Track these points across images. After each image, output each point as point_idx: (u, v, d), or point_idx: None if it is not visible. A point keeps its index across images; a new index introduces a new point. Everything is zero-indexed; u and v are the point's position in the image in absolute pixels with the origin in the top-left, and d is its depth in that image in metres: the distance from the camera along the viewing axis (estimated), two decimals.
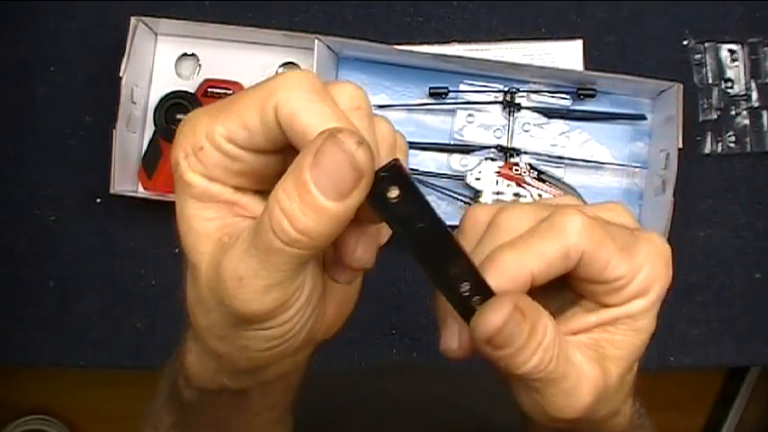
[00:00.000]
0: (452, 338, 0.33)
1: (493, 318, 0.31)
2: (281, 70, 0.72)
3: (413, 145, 0.71)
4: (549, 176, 0.69)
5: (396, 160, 0.29)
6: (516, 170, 0.69)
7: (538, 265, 0.32)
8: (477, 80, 0.71)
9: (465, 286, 0.32)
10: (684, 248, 0.72)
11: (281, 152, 0.30)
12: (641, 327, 0.35)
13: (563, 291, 0.36)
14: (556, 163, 0.70)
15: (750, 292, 0.72)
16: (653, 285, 0.35)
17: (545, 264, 0.32)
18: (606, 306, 0.34)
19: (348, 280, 0.33)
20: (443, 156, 0.71)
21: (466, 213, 0.36)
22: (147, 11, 0.69)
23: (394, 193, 0.29)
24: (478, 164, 0.69)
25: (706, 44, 0.72)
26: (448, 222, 0.30)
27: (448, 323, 0.34)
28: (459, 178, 0.69)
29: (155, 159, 0.69)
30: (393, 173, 0.28)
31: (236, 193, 0.32)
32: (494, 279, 0.32)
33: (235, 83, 0.70)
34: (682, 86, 0.67)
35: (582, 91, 0.70)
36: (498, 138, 0.70)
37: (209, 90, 0.69)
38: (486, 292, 0.32)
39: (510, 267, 0.32)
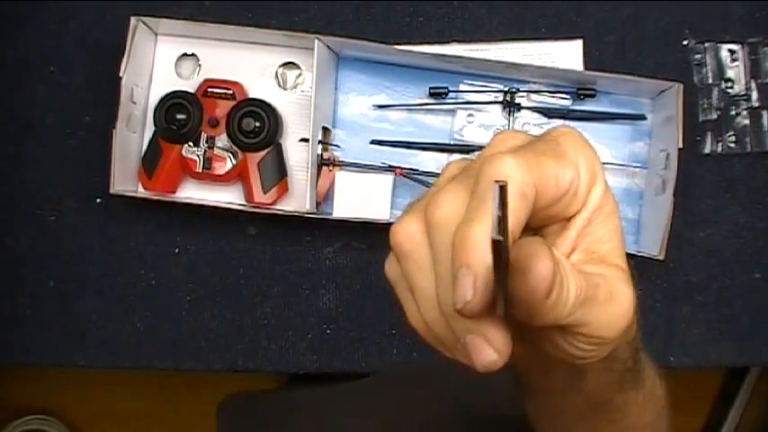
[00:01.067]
0: (487, 351, 0.30)
1: (544, 266, 0.28)
2: (280, 71, 0.72)
3: (413, 145, 0.71)
4: None
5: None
6: None
7: (509, 220, 0.29)
8: (477, 80, 0.71)
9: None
10: (684, 248, 0.72)
11: None
12: (611, 210, 0.34)
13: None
14: None
15: (750, 292, 0.72)
16: (596, 167, 0.33)
17: (513, 215, 0.30)
18: (572, 216, 0.33)
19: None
20: (443, 156, 0.71)
21: (392, 237, 0.33)
22: (147, 11, 0.69)
23: None
24: None
25: (706, 44, 0.72)
26: None
27: (471, 343, 0.31)
28: None
29: (155, 159, 0.69)
30: None
31: None
32: (482, 255, 0.29)
33: (235, 83, 0.70)
34: (682, 86, 0.67)
35: (582, 91, 0.70)
36: None
37: (209, 90, 0.69)
38: (502, 269, 0.29)
39: (487, 237, 0.29)
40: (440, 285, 0.31)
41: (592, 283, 0.31)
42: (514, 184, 0.30)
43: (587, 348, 0.33)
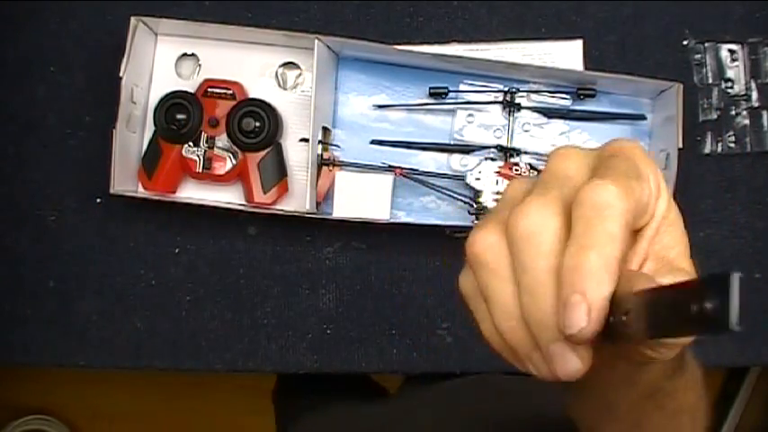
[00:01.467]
0: (572, 358, 0.31)
1: None
2: (280, 70, 0.72)
3: (413, 145, 0.71)
4: None
5: None
6: (516, 170, 0.69)
7: (619, 249, 0.31)
8: (477, 80, 0.71)
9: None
10: None
11: None
12: (675, 218, 0.35)
13: None
14: None
15: (750, 292, 0.72)
16: (659, 181, 0.34)
17: (621, 244, 0.31)
18: (641, 228, 0.34)
19: None
20: (443, 156, 0.71)
21: (469, 248, 0.34)
22: (147, 11, 0.69)
23: None
24: (478, 164, 0.69)
25: (706, 44, 0.72)
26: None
27: (555, 350, 0.32)
28: (460, 178, 0.69)
29: (155, 159, 0.69)
30: None
31: None
32: (598, 285, 0.30)
33: (235, 83, 0.70)
34: (682, 86, 0.67)
35: (582, 91, 0.70)
36: (498, 138, 0.70)
37: (209, 90, 0.69)
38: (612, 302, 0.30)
39: (603, 267, 0.30)
40: (524, 295, 0.32)
41: None
42: (619, 212, 0.31)
43: (664, 351, 0.35)
